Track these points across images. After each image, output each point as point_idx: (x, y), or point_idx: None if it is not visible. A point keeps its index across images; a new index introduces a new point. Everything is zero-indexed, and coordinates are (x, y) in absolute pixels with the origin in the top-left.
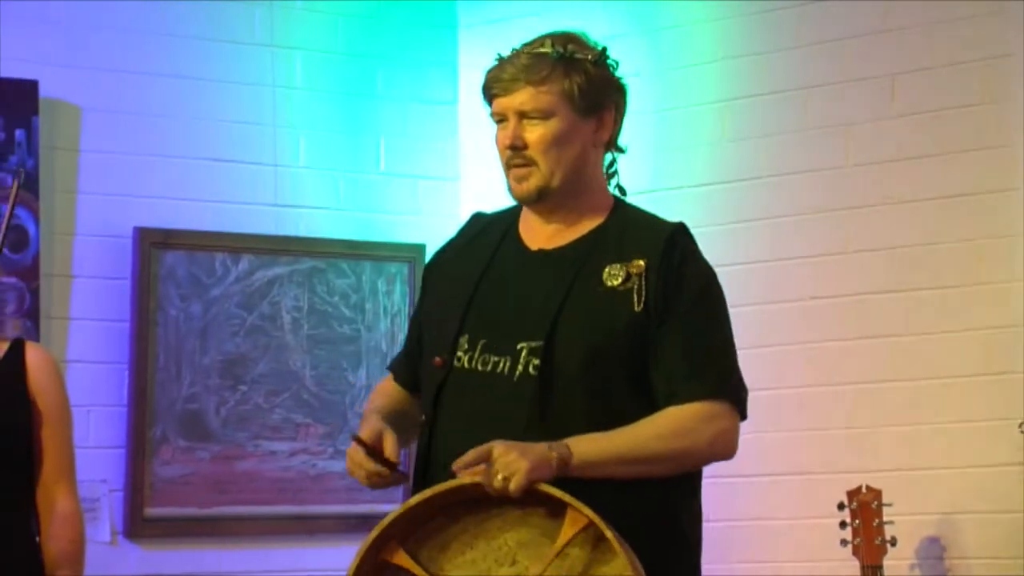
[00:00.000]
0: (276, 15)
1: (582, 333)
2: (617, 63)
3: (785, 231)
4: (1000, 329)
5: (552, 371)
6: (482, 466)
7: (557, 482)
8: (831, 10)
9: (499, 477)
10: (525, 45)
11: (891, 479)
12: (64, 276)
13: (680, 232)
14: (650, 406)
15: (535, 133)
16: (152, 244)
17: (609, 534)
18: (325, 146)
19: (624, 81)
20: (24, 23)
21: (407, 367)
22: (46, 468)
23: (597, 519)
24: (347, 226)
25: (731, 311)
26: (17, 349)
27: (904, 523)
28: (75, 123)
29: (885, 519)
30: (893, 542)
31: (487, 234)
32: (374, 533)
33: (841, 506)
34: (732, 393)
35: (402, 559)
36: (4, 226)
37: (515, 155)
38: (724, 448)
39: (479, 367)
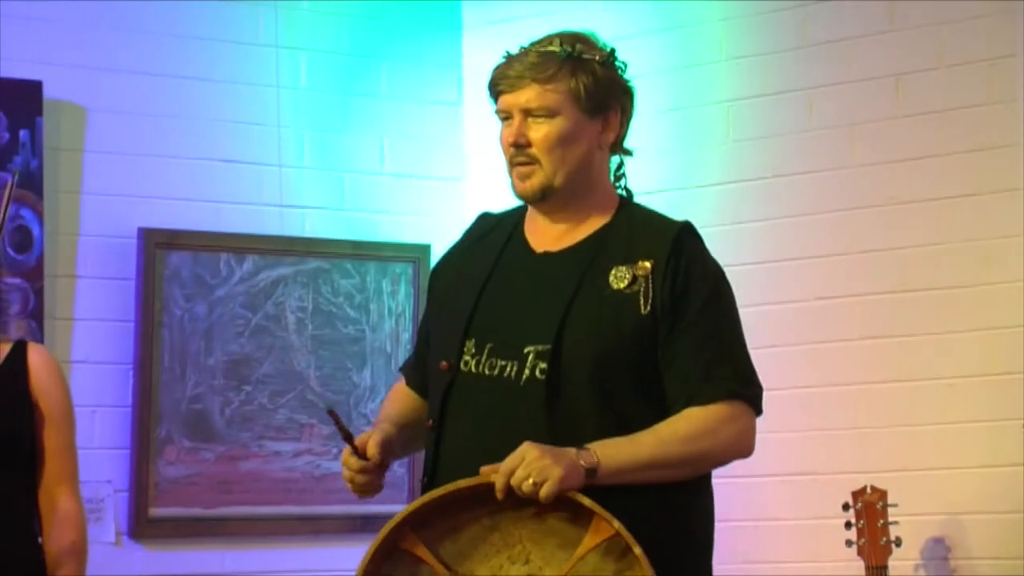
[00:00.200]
0: (281, 16)
1: (589, 337)
2: (625, 65)
3: (790, 231)
4: (1005, 330)
5: (559, 375)
6: (511, 466)
7: None
8: (837, 10)
9: (529, 482)
10: (534, 43)
11: (896, 479)
12: (68, 277)
13: (686, 232)
14: (658, 408)
15: (539, 131)
16: (157, 244)
17: (637, 551)
18: (330, 146)
19: (632, 84)
20: (28, 23)
21: (418, 370)
22: (48, 469)
23: (625, 532)
24: (351, 226)
25: (741, 323)
26: (19, 350)
27: (909, 523)
28: (79, 123)
29: (890, 519)
30: (898, 542)
31: (493, 235)
32: (396, 519)
33: (846, 506)
34: (749, 392)
35: (416, 547)
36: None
37: (519, 153)
38: (744, 448)
39: (486, 371)
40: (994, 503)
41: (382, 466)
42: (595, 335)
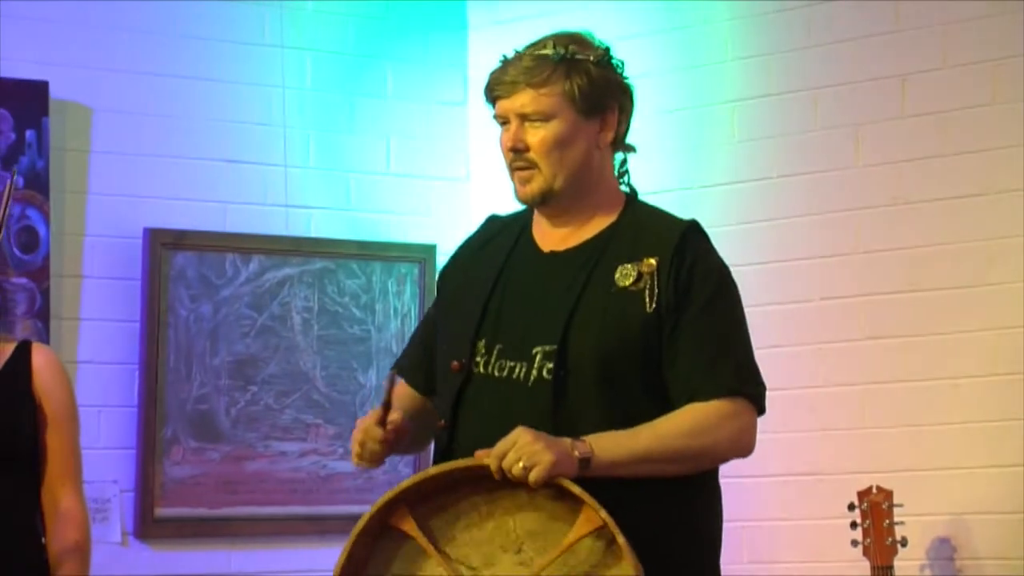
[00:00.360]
0: (286, 16)
1: (595, 336)
2: (622, 63)
3: (795, 232)
4: (1010, 329)
5: (566, 374)
6: (503, 449)
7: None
8: (842, 11)
9: (520, 465)
10: (528, 46)
11: (902, 479)
12: (74, 277)
13: (692, 230)
14: (665, 406)
15: (536, 135)
16: (162, 245)
17: (620, 540)
18: (335, 147)
19: (629, 80)
20: (34, 24)
21: (419, 368)
22: (51, 469)
23: (611, 522)
24: (357, 227)
25: (746, 322)
26: (23, 350)
27: (915, 524)
28: (85, 124)
29: (896, 519)
30: (904, 543)
31: (501, 237)
32: (388, 495)
33: (851, 507)
34: (751, 389)
35: (408, 525)
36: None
37: (517, 157)
38: (744, 446)
39: (495, 372)
40: (1000, 503)
41: (391, 443)
42: (601, 334)
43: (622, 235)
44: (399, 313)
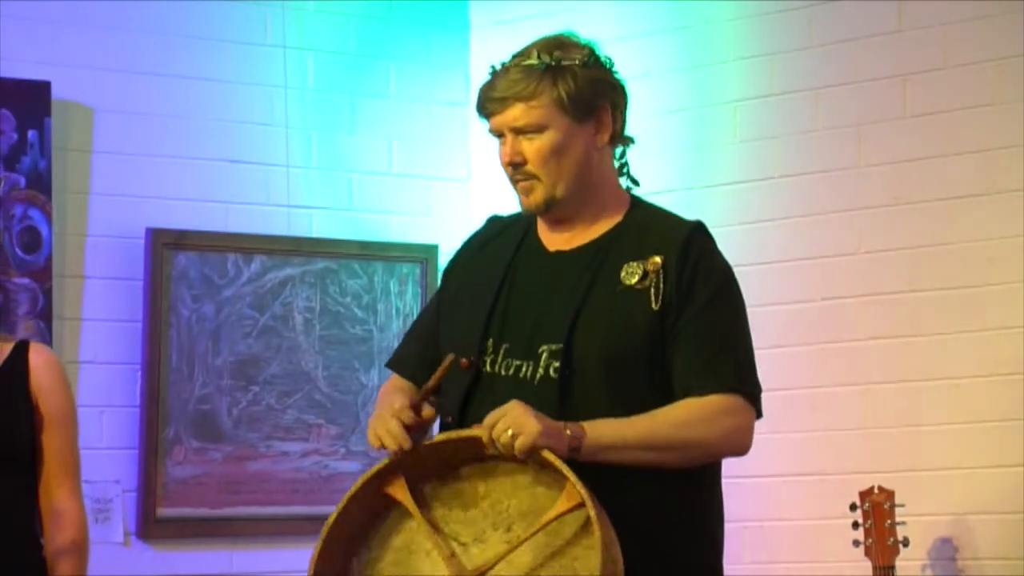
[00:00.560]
0: (288, 16)
1: (601, 334)
2: (609, 59)
3: (796, 231)
4: (1012, 329)
5: (572, 373)
6: (494, 418)
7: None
8: (843, 11)
9: (508, 433)
10: (515, 56)
11: (903, 480)
12: (76, 277)
13: (698, 230)
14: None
15: (532, 147)
16: (164, 245)
17: (592, 513)
18: (337, 147)
19: (619, 75)
20: (36, 24)
21: (419, 364)
22: (49, 469)
23: (587, 497)
24: (359, 227)
25: (748, 322)
26: (21, 350)
27: (916, 524)
28: (87, 124)
29: (897, 520)
30: (905, 543)
31: (505, 237)
32: (386, 461)
33: (853, 507)
34: (749, 389)
35: (402, 494)
36: None
37: (516, 171)
38: (739, 443)
39: (502, 371)
40: (1002, 503)
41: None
42: (607, 332)
43: (628, 235)
44: (401, 313)
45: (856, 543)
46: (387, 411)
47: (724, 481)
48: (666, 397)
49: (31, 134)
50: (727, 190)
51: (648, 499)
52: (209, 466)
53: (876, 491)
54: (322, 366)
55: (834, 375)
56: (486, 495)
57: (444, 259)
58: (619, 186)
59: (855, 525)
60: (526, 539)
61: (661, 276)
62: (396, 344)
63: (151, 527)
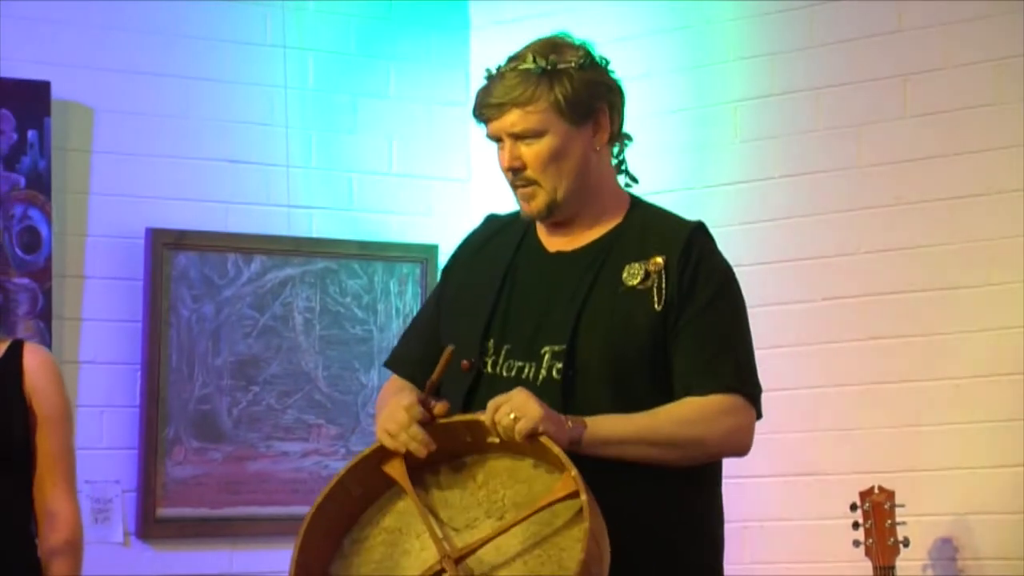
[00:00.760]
0: (288, 16)
1: (603, 335)
2: (605, 59)
3: (797, 231)
4: (1012, 330)
5: (575, 374)
6: (498, 402)
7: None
8: (844, 11)
9: (511, 416)
10: (509, 60)
11: (903, 480)
12: (76, 277)
13: (699, 231)
14: None
15: (531, 152)
16: (164, 245)
17: (584, 498)
18: (337, 147)
19: (615, 75)
20: (36, 24)
21: (418, 363)
22: (43, 469)
23: (582, 486)
24: (359, 227)
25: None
26: (15, 350)
27: (916, 524)
28: (87, 124)
29: (897, 520)
30: (906, 543)
31: (503, 237)
32: (379, 443)
33: (854, 507)
34: (749, 389)
35: (399, 473)
36: None
37: (516, 177)
38: (739, 443)
39: (504, 373)
40: (1002, 503)
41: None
42: (610, 333)
43: (628, 235)
44: (401, 313)
45: (856, 543)
46: (396, 407)
47: (724, 481)
48: (668, 398)
49: (31, 134)
50: (727, 190)
51: (648, 499)
52: (209, 466)
53: (876, 491)
54: (322, 366)
55: (834, 375)
56: (483, 484)
57: (444, 259)
58: (618, 186)
59: (855, 525)
60: (516, 523)
61: (663, 277)
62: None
63: (151, 527)
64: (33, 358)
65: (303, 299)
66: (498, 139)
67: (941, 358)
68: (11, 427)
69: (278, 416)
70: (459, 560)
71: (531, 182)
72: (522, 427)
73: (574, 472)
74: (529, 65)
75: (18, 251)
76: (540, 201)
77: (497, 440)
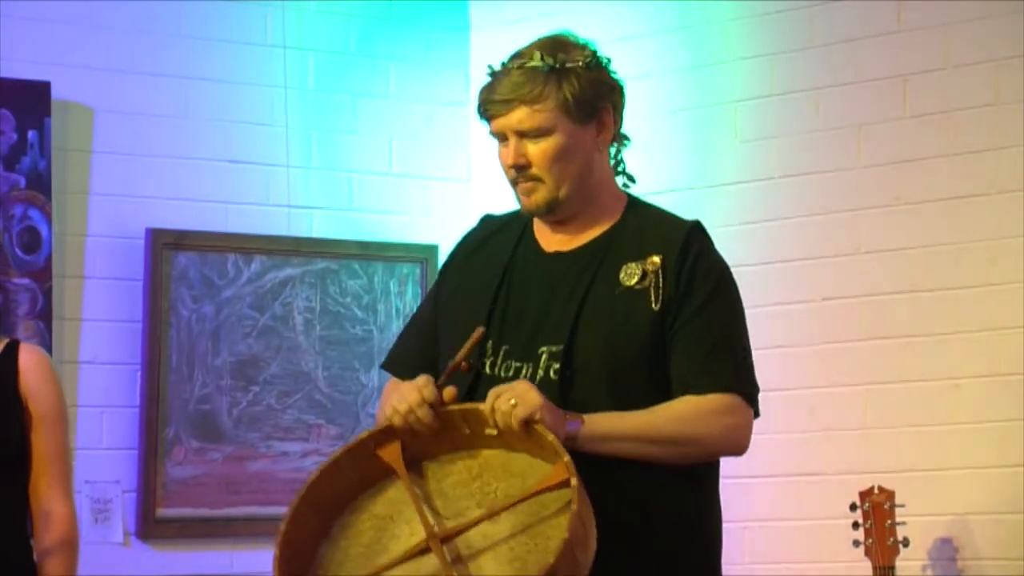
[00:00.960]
0: (288, 17)
1: (601, 335)
2: (608, 60)
3: (796, 232)
4: (1012, 330)
5: (573, 374)
6: (499, 390)
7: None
8: (844, 11)
9: (512, 402)
10: (515, 57)
11: (903, 480)
12: (76, 277)
13: (696, 230)
14: None
15: (536, 150)
16: (164, 245)
17: (574, 481)
18: (337, 147)
19: (617, 75)
20: (36, 24)
21: (416, 364)
22: (39, 470)
23: (572, 470)
24: (359, 227)
25: (745, 321)
26: (11, 351)
27: (916, 524)
28: (87, 124)
29: (897, 520)
30: (905, 543)
31: (500, 237)
32: (382, 425)
33: (853, 507)
34: (747, 389)
35: (394, 458)
36: None
37: (520, 174)
38: (737, 442)
39: (502, 373)
40: (1002, 503)
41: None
42: (607, 334)
43: (626, 235)
44: (401, 313)
45: (856, 543)
46: (410, 386)
47: (724, 481)
48: (666, 398)
49: (31, 134)
50: (728, 190)
51: (647, 498)
52: (209, 466)
53: (876, 491)
54: (322, 366)
55: (834, 375)
56: (477, 476)
57: (444, 259)
58: (616, 185)
59: (855, 525)
60: (506, 507)
61: (660, 276)
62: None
63: (151, 527)
64: (29, 358)
65: (303, 299)
66: (502, 136)
67: (941, 358)
68: (7, 427)
69: (278, 416)
70: (445, 539)
71: (534, 179)
72: (520, 413)
73: (567, 458)
74: (537, 63)
75: (18, 251)
76: (541, 197)
77: (495, 432)
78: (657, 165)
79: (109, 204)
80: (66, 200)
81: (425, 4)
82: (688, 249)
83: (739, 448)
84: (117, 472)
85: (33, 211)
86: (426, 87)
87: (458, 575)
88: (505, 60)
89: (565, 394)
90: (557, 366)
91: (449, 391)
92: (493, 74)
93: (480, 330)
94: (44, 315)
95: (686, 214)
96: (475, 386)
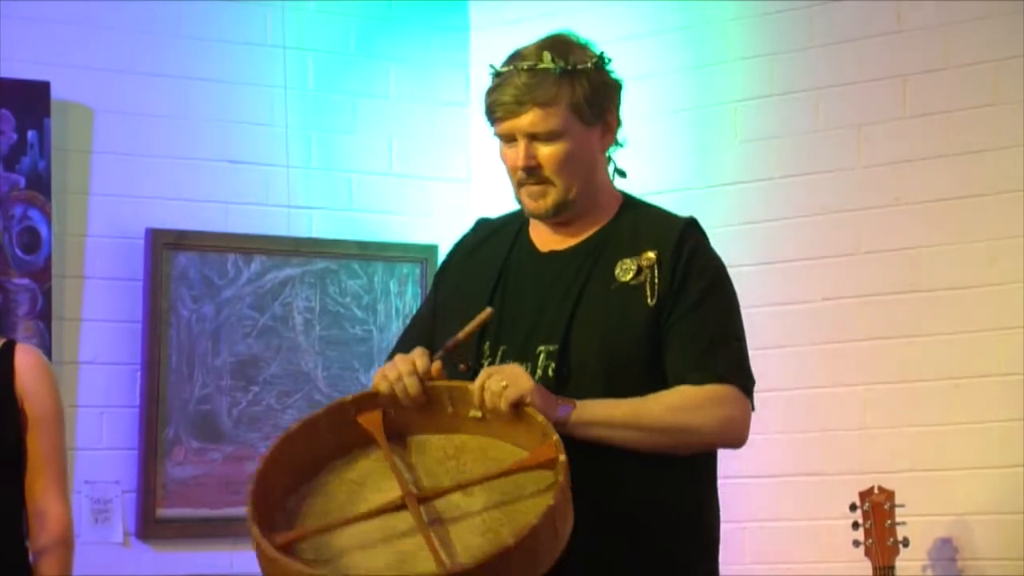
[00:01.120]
0: (288, 17)
1: (598, 333)
2: (611, 60)
3: (797, 232)
4: (1012, 330)
5: (570, 373)
6: (490, 371)
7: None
8: (844, 11)
9: (503, 383)
10: (519, 58)
11: (903, 480)
12: (76, 277)
13: (691, 226)
14: None
15: (548, 152)
16: (164, 245)
17: (562, 458)
18: (337, 147)
19: (615, 74)
20: (36, 24)
21: None
22: (34, 470)
23: (561, 451)
24: (359, 227)
25: (742, 313)
26: (7, 351)
27: (916, 524)
28: (87, 124)
29: (897, 520)
30: (905, 543)
31: (496, 239)
32: (366, 390)
33: (853, 507)
34: (743, 381)
35: (374, 424)
36: None
37: (530, 176)
38: (736, 434)
39: None
40: (1002, 504)
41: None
42: (603, 331)
43: (620, 232)
44: (401, 314)
45: (856, 543)
46: (403, 357)
47: (724, 481)
48: None
49: (31, 134)
50: (728, 190)
51: (644, 497)
52: (209, 466)
53: (876, 491)
54: (322, 366)
55: (834, 375)
56: (454, 456)
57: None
58: (611, 186)
59: (855, 525)
60: (488, 478)
61: (655, 272)
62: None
63: (151, 528)
64: (25, 359)
65: (303, 299)
66: (509, 137)
67: (941, 358)
68: (3, 428)
69: (278, 416)
70: (421, 501)
71: (544, 181)
72: (510, 394)
73: (555, 437)
74: (548, 65)
75: (18, 251)
76: (550, 200)
77: (479, 415)
78: (657, 165)
79: (109, 204)
80: (66, 200)
81: (425, 4)
82: (683, 245)
83: (738, 439)
84: (117, 472)
85: (33, 211)
86: (426, 87)
87: (432, 534)
88: (505, 60)
89: (562, 392)
90: (554, 364)
91: (436, 366)
92: (499, 75)
93: (489, 310)
94: (44, 315)
95: (686, 214)
96: None
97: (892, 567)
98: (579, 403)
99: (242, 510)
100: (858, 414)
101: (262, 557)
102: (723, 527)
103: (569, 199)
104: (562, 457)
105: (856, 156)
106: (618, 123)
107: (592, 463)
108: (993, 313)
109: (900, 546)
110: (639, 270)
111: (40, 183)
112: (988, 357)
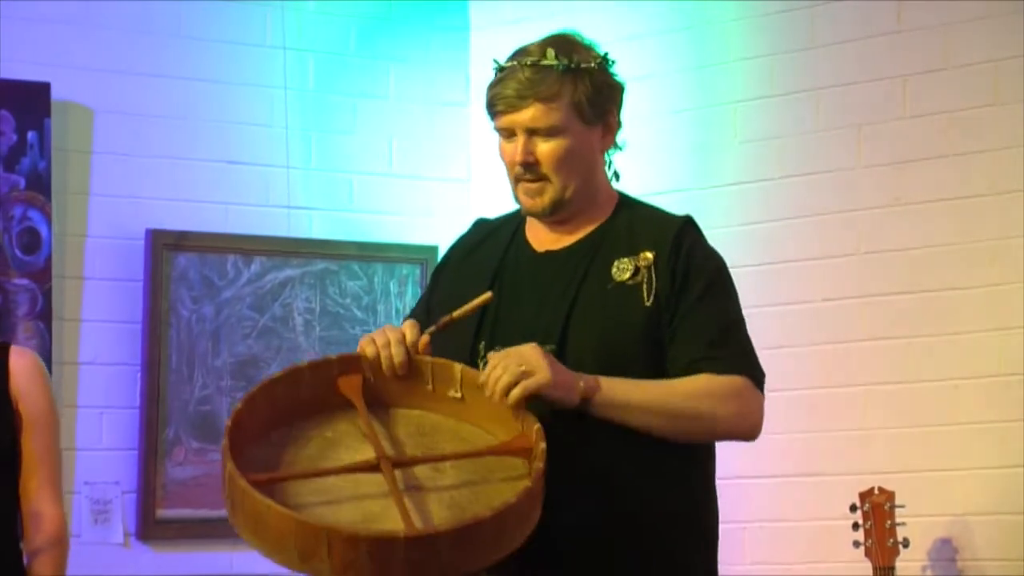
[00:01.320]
0: (288, 17)
1: (594, 332)
2: (614, 61)
3: (797, 232)
4: (1012, 330)
5: None
6: (509, 351)
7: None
8: (844, 11)
9: (522, 369)
10: (523, 54)
11: (904, 480)
12: (76, 278)
13: (688, 225)
14: None
15: (546, 149)
16: (164, 246)
17: (541, 453)
18: (337, 148)
19: (619, 77)
20: (36, 25)
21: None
22: (28, 472)
23: (538, 443)
24: (359, 228)
25: (743, 313)
26: (1, 353)
27: (916, 524)
28: (87, 125)
29: (897, 520)
30: (905, 543)
31: (493, 240)
32: (351, 353)
33: (853, 507)
34: (756, 374)
35: (353, 388)
36: None
37: (526, 171)
38: (751, 426)
39: None
40: (1001, 504)
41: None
42: (600, 330)
43: (617, 231)
44: (401, 314)
45: (856, 544)
46: (393, 327)
47: (724, 481)
48: None
49: (31, 135)
50: (728, 191)
51: (644, 495)
52: (209, 467)
53: (876, 492)
54: None
55: (834, 375)
56: (428, 433)
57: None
58: (608, 186)
59: (855, 526)
60: (464, 455)
61: (652, 271)
62: None
63: (151, 528)
64: (19, 361)
65: (303, 300)
66: (509, 132)
67: (941, 359)
68: None
69: None
70: (395, 466)
71: (541, 178)
72: (530, 384)
73: (537, 426)
74: (552, 61)
75: (18, 252)
76: (547, 198)
77: (458, 395)
78: (658, 165)
79: (109, 205)
80: (66, 201)
81: (425, 4)
82: (680, 245)
83: (752, 431)
84: (117, 473)
85: (33, 212)
86: (426, 87)
87: (404, 498)
88: (509, 56)
89: None
90: None
91: (424, 340)
92: (502, 69)
93: (488, 294)
94: (44, 316)
95: (686, 214)
96: None
97: (892, 568)
98: (604, 382)
99: None
100: (858, 414)
101: (235, 490)
102: (723, 527)
103: (566, 197)
104: (542, 444)
105: (856, 156)
106: (619, 125)
107: (591, 461)
108: (993, 313)
109: (900, 547)
110: (636, 270)
111: (40, 184)
112: (988, 357)
